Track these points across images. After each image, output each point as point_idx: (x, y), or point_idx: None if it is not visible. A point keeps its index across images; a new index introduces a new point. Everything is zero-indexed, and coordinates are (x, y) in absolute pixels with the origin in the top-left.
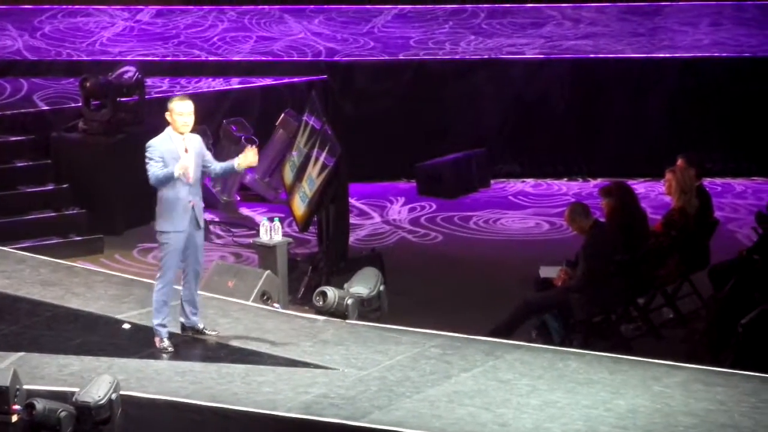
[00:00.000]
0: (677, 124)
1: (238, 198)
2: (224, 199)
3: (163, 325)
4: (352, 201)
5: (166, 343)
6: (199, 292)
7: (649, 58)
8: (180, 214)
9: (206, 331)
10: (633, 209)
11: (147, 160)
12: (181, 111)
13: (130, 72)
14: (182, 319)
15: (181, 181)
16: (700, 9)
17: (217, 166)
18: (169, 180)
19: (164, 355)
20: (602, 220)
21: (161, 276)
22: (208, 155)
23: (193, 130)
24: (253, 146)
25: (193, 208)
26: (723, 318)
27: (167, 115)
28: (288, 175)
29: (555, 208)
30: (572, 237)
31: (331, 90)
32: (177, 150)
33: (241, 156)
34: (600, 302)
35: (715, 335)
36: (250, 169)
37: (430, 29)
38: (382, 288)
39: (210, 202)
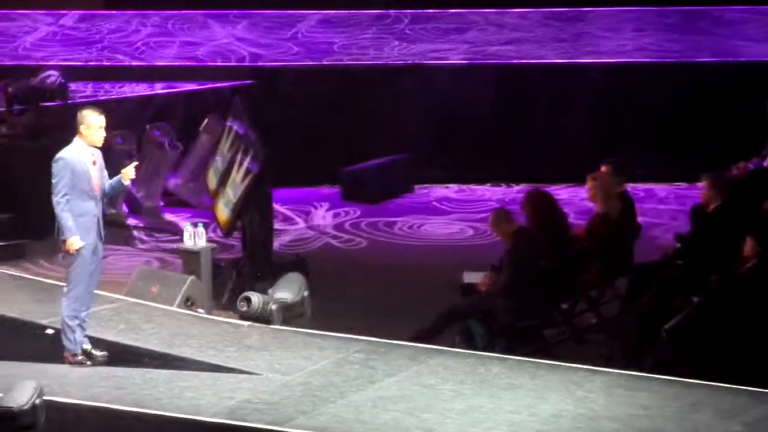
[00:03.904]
0: (601, 129)
1: (162, 203)
2: (148, 205)
3: (77, 341)
4: (276, 206)
5: (81, 357)
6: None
7: (573, 64)
8: (89, 227)
9: (94, 352)
10: (551, 215)
11: (57, 176)
12: (101, 125)
13: (53, 77)
14: None
15: (89, 195)
16: (623, 15)
17: (106, 183)
18: (62, 226)
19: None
20: (526, 225)
21: (71, 289)
22: (105, 171)
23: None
24: (133, 162)
25: (98, 220)
26: (645, 323)
27: (82, 128)
28: (212, 180)
29: (478, 214)
30: (496, 242)
31: (255, 95)
32: (87, 164)
33: (123, 172)
34: (524, 307)
35: (637, 340)
36: (174, 174)
37: (353, 35)
38: (306, 293)
39: (134, 207)
